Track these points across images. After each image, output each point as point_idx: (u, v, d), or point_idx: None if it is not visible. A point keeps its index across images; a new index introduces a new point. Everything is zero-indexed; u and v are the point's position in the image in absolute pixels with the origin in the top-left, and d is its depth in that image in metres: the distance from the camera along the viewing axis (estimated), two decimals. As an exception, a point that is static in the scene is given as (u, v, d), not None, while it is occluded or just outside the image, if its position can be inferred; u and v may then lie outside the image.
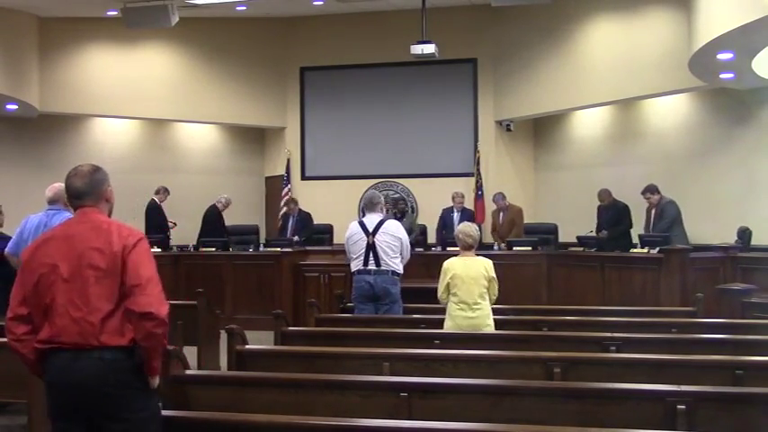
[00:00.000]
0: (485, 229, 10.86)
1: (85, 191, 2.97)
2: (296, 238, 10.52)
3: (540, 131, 12.49)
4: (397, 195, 12.02)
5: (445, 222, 10.84)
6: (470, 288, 5.37)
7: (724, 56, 7.65)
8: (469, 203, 11.66)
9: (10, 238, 6.10)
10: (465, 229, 5.64)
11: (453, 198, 10.81)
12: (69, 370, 2.72)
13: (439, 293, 5.54)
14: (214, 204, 10.95)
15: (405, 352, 4.41)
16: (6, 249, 5.53)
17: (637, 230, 9.40)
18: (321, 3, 11.48)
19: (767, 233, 8.75)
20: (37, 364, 2.83)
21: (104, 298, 2.74)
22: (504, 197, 10.71)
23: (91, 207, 2.96)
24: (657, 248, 8.04)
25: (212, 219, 10.90)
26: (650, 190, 9.01)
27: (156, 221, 10.64)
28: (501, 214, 10.76)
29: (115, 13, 9.92)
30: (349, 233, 6.44)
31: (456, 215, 10.71)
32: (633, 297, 7.99)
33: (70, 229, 2.91)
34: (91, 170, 3.03)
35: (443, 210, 10.97)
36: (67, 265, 2.78)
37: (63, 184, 5.65)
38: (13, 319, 2.83)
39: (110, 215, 3.03)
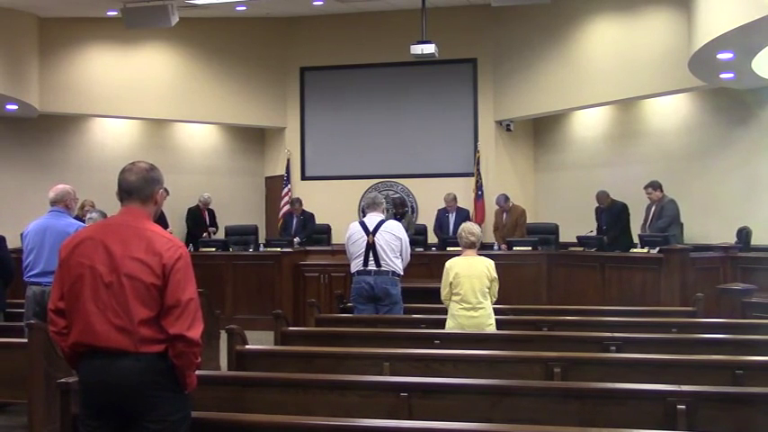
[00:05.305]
0: (486, 228, 10.86)
1: (138, 187, 2.95)
2: (297, 239, 10.52)
3: (540, 131, 12.48)
4: (397, 195, 12.02)
5: (441, 223, 10.86)
6: (473, 287, 5.37)
7: (724, 56, 7.65)
8: (470, 203, 11.67)
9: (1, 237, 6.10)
10: (468, 227, 5.65)
11: (445, 201, 10.82)
12: (108, 371, 2.75)
13: (443, 295, 5.53)
14: (196, 204, 11.68)
15: (405, 352, 4.41)
16: (24, 277, 5.55)
17: (635, 227, 9.40)
18: (321, 3, 11.48)
19: (767, 233, 8.75)
20: (73, 358, 2.88)
21: (143, 306, 2.76)
22: (506, 198, 10.69)
23: (138, 206, 2.96)
24: (657, 248, 8.05)
25: (191, 216, 11.64)
26: (652, 186, 8.99)
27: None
28: (504, 215, 10.75)
29: (115, 13, 9.91)
30: (349, 233, 6.43)
31: (452, 216, 10.73)
32: (633, 297, 7.99)
33: (111, 231, 2.88)
34: (147, 167, 3.01)
35: (439, 210, 10.99)
36: (107, 269, 2.79)
37: (66, 186, 5.69)
38: (55, 311, 2.88)
39: (154, 217, 3.04)
